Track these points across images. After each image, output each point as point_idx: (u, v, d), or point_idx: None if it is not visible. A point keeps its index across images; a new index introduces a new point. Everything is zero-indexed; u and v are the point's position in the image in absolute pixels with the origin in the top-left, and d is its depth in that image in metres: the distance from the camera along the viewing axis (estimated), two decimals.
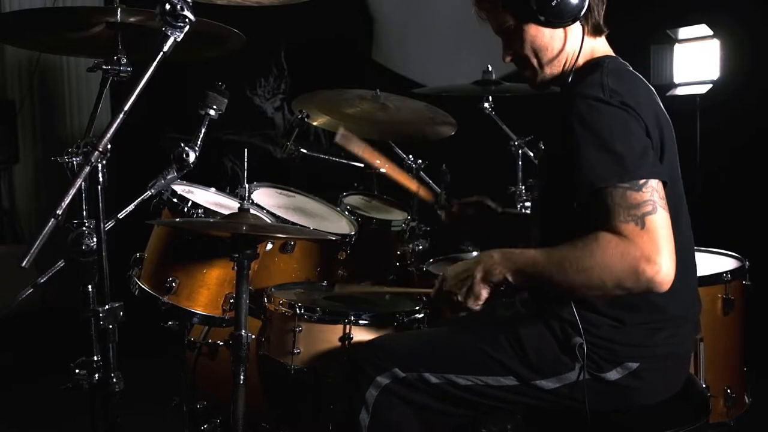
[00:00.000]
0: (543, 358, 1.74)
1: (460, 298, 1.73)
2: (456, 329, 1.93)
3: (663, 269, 1.52)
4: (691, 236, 1.83)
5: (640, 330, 1.71)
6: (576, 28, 1.77)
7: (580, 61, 1.78)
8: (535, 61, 1.80)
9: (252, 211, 1.96)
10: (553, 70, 1.80)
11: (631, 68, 1.81)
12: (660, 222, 1.54)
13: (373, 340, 2.01)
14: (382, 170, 2.37)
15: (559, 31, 1.77)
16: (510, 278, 1.67)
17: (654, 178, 1.58)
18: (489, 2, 1.81)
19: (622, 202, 1.55)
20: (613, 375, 1.71)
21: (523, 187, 2.98)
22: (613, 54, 1.84)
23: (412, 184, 2.37)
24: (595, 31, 1.81)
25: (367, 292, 2.42)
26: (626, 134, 1.60)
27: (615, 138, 1.59)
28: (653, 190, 1.56)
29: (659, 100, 1.80)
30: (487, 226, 2.25)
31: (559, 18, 1.73)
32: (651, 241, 1.53)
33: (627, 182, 1.56)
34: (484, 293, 1.71)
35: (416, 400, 1.80)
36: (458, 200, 2.31)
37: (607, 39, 1.85)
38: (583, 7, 1.72)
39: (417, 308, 2.22)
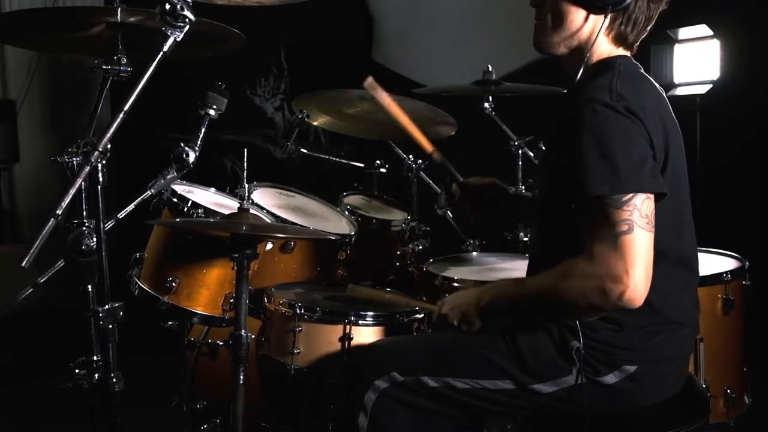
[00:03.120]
0: (540, 363, 1.74)
1: (456, 324, 1.84)
2: (455, 333, 1.92)
3: (631, 287, 1.56)
4: (693, 242, 1.83)
5: (637, 333, 1.71)
6: (599, 20, 1.74)
7: (593, 58, 1.78)
8: (549, 21, 1.78)
9: (252, 211, 1.96)
10: (559, 41, 1.78)
11: (642, 70, 1.81)
12: (635, 242, 1.56)
13: (372, 344, 2.01)
14: (403, 124, 2.20)
15: (582, 13, 1.75)
16: (496, 303, 1.79)
17: (644, 192, 1.59)
18: None
19: (602, 218, 1.58)
20: (610, 378, 1.71)
21: (523, 187, 2.99)
22: (627, 54, 1.82)
23: (428, 145, 2.22)
24: (619, 39, 1.78)
25: (377, 298, 2.29)
26: (626, 143, 1.61)
27: (614, 146, 1.59)
28: (635, 209, 1.57)
29: (668, 103, 1.80)
30: (500, 205, 2.21)
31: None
32: (620, 260, 1.56)
33: (612, 197, 1.57)
34: (477, 323, 1.82)
35: (414, 404, 1.81)
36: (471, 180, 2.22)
37: None
38: (618, 4, 1.70)
39: (416, 308, 2.22)
